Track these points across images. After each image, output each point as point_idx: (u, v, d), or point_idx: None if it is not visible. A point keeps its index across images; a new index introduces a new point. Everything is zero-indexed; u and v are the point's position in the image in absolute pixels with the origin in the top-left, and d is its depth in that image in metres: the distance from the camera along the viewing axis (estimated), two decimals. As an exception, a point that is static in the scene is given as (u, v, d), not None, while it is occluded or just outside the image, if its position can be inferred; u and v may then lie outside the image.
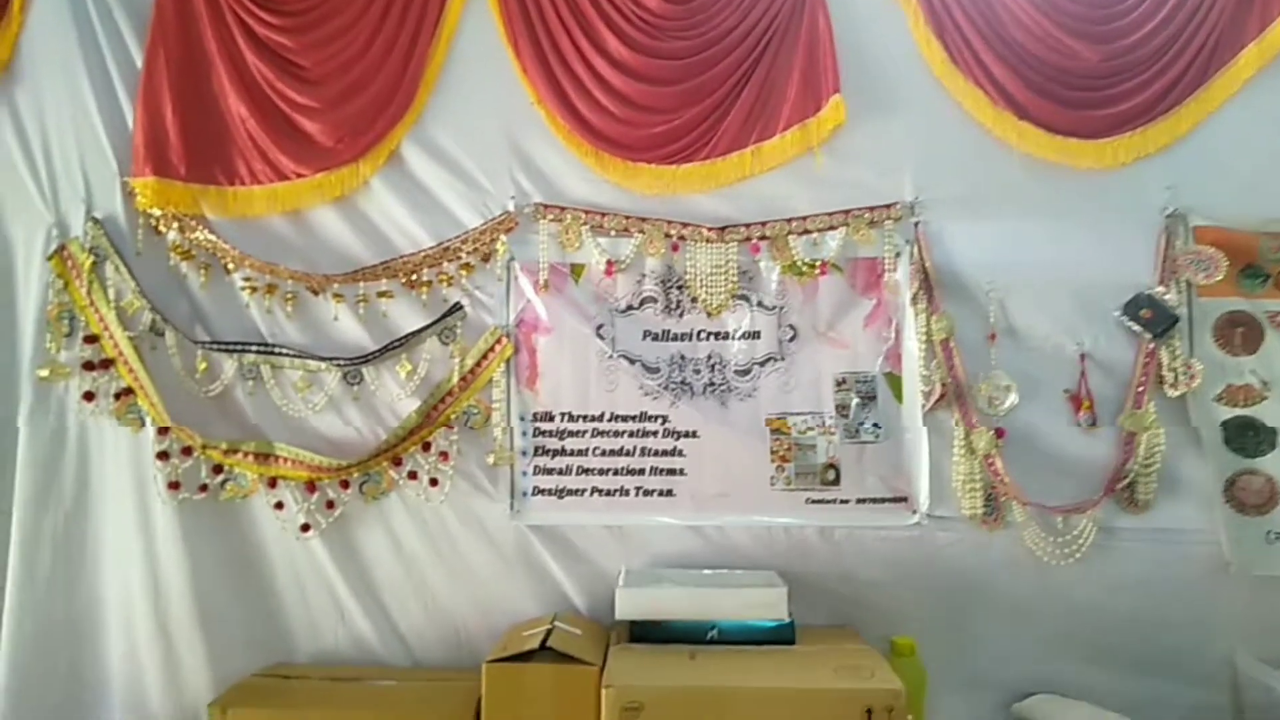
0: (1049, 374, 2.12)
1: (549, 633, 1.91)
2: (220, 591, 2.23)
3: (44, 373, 2.20)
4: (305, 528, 2.22)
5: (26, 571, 2.18)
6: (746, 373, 2.20)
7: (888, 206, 2.17)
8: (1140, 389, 2.07)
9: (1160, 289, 2.10)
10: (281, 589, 2.27)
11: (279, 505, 2.23)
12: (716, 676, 1.84)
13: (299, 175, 2.23)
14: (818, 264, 2.18)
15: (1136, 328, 2.08)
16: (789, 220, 2.18)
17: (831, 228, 2.17)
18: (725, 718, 1.75)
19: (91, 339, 2.21)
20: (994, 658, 2.12)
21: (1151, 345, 2.08)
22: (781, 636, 2.00)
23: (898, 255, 2.16)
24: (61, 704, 2.20)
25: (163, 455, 2.19)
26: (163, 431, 2.20)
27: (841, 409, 2.17)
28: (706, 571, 2.14)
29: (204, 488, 2.22)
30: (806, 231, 2.17)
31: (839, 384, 2.18)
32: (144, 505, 2.21)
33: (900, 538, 2.15)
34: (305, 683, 2.13)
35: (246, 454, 2.21)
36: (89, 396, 2.21)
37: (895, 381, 2.17)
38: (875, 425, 2.16)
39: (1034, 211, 2.15)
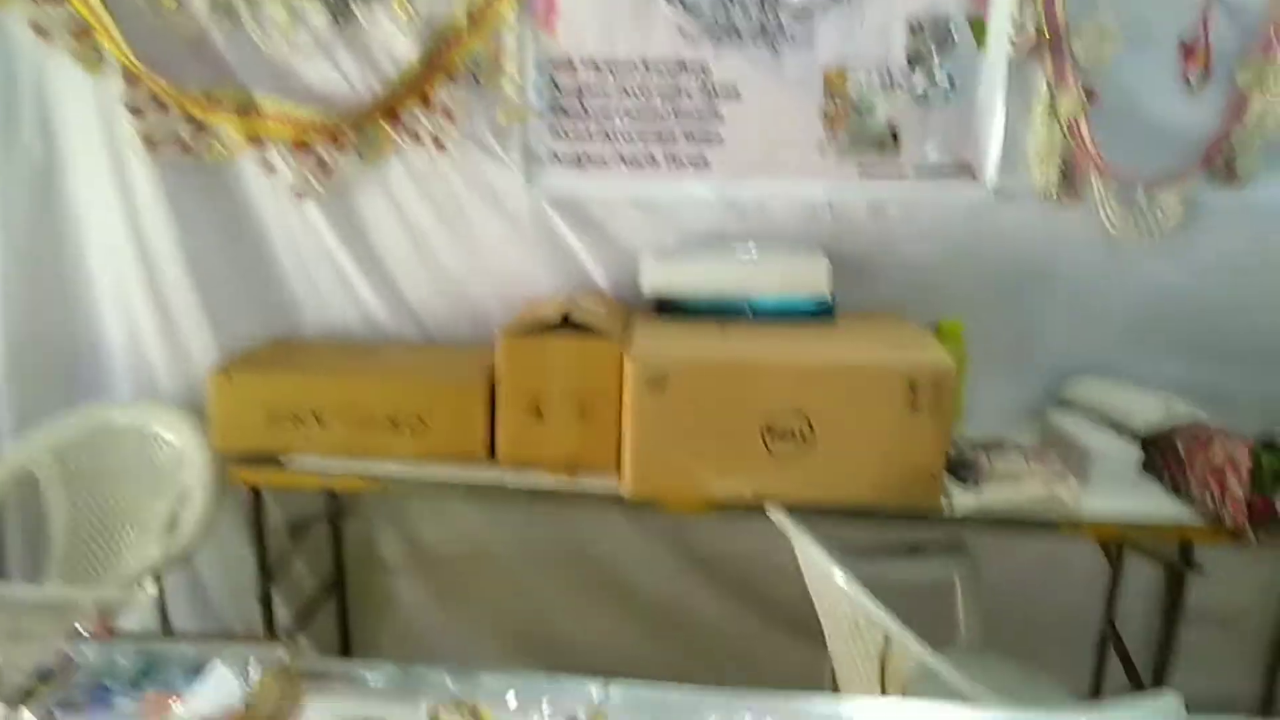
0: (1163, 19, 1.77)
1: (569, 306, 1.76)
2: (214, 260, 2.08)
3: (-21, -5, 1.90)
4: (299, 192, 2.03)
5: (4, 237, 2.03)
6: (805, 16, 1.86)
7: None
8: (1273, 37, 1.74)
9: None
10: (281, 258, 2.11)
11: (269, 167, 2.02)
12: (749, 350, 1.71)
13: None
14: None
15: (1285, -43, 1.72)
16: None
17: None
18: (757, 393, 1.63)
19: (32, -41, 1.89)
20: (1049, 345, 1.98)
21: (1298, -18, 1.72)
22: (820, 315, 1.85)
23: None
24: (65, 379, 2.15)
25: (135, 110, 1.96)
26: (132, 81, 1.94)
27: (912, 60, 1.85)
28: (740, 247, 1.94)
29: (186, 148, 2.01)
30: None
31: (912, 30, 1.83)
32: (119, 164, 2.01)
33: (959, 214, 1.92)
34: (313, 352, 2.04)
35: (226, 106, 1.95)
36: (39, 30, 1.92)
37: (979, 26, 1.82)
38: (949, 80, 1.85)
39: None
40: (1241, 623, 2.08)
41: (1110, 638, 2.08)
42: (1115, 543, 2.00)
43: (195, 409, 1.98)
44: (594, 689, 1.07)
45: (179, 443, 1.97)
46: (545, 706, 1.03)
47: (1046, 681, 1.69)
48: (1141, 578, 2.06)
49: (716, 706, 1.06)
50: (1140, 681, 1.89)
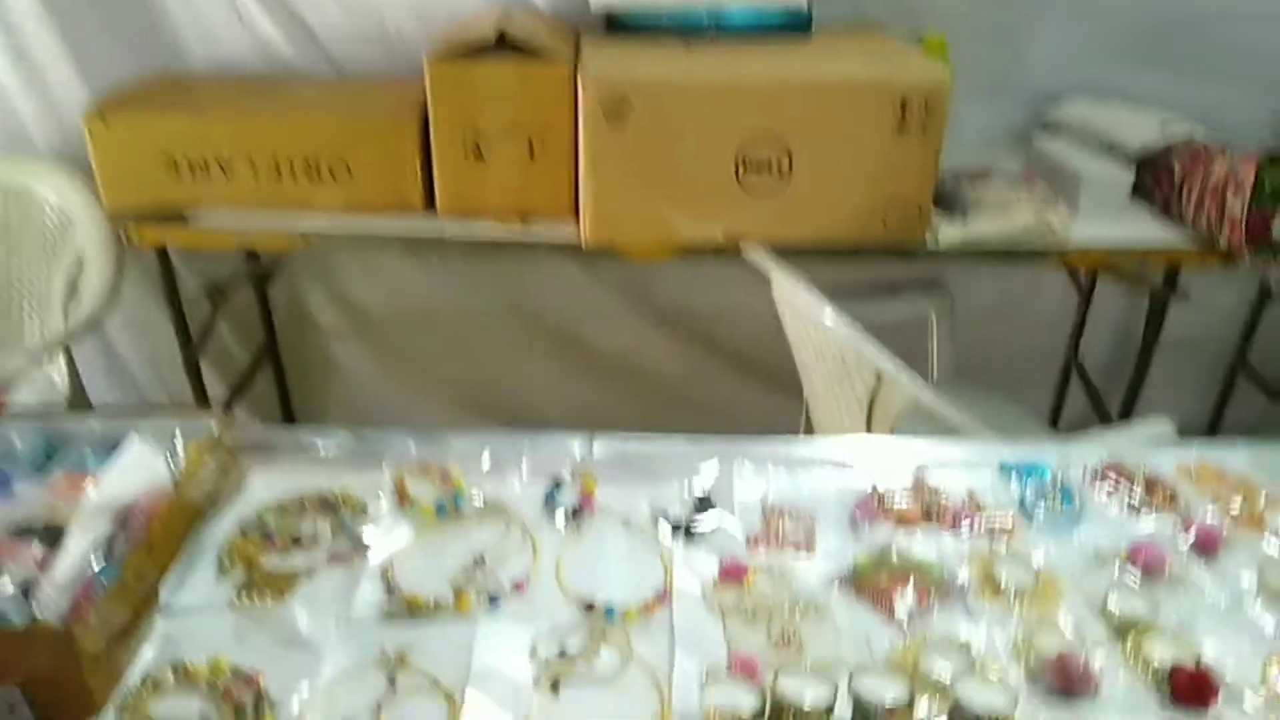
0: None
1: (504, 24, 1.49)
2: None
3: None
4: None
5: None
6: None
7: None
8: None
9: None
10: (150, -18, 1.76)
11: None
12: (719, 70, 1.49)
13: None
14: None
15: None
16: None
17: None
18: (730, 118, 1.44)
19: None
20: (1036, 62, 1.81)
21: None
22: (795, 28, 1.63)
23: None
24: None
25: None
26: None
27: None
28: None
29: None
30: None
31: None
32: None
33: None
34: (204, 90, 1.74)
35: None
36: None
37: None
38: None
39: None
40: (1197, 349, 2.08)
41: (1075, 367, 2.07)
42: (1094, 271, 1.93)
43: (77, 163, 1.70)
44: (576, 445, 0.97)
45: (61, 202, 1.71)
46: (524, 466, 0.93)
47: (1025, 413, 1.67)
48: (1109, 307, 2.03)
49: (709, 455, 0.96)
50: (1104, 409, 1.90)
